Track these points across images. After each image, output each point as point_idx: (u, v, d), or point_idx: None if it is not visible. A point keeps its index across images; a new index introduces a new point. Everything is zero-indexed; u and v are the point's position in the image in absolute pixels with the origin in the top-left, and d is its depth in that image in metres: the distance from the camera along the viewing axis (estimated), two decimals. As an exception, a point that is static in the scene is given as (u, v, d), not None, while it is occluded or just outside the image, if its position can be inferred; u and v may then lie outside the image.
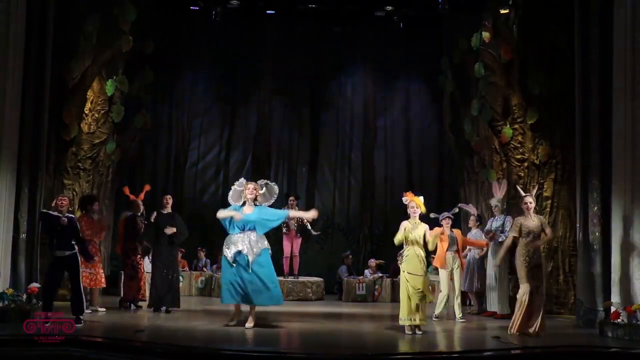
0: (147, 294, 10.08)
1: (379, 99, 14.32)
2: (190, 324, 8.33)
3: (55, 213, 8.12)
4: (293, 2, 13.06)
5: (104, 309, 9.37)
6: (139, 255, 10.01)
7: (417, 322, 7.72)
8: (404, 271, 7.81)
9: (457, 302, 9.36)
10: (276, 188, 8.35)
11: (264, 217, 8.04)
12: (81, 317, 7.90)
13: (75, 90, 10.30)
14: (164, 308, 9.35)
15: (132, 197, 10.11)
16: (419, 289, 7.71)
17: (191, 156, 14.04)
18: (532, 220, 7.82)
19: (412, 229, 7.79)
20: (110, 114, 10.97)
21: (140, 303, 9.90)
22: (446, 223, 9.45)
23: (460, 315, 9.22)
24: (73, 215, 8.47)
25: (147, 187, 10.49)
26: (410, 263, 7.76)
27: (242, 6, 12.86)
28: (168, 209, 9.59)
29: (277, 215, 8.25)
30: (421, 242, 7.81)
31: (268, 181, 8.41)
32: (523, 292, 7.74)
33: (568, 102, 9.56)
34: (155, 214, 9.59)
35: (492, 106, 10.73)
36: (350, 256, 12.87)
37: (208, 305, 10.32)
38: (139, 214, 9.97)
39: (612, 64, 8.32)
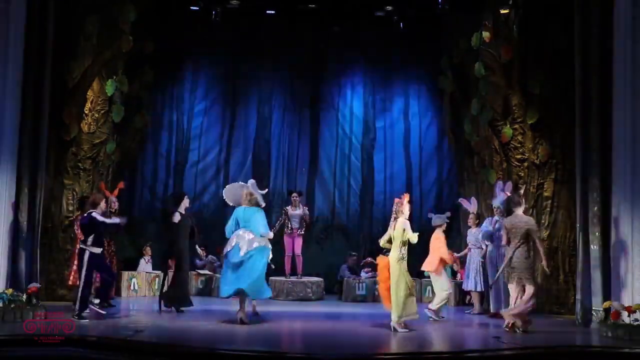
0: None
1: (378, 99, 14.32)
2: (190, 324, 8.32)
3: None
4: (293, 2, 13.06)
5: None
6: (112, 254, 9.99)
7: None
8: (406, 270, 7.90)
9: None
10: (261, 200, 8.52)
11: (253, 221, 8.26)
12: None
13: (75, 90, 10.30)
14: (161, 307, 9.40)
15: (107, 193, 10.10)
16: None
17: (191, 156, 14.02)
18: (517, 220, 8.05)
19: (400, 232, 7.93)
20: (110, 114, 10.96)
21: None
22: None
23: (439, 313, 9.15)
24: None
25: (121, 185, 10.57)
26: (405, 263, 7.93)
27: (242, 6, 12.85)
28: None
29: (259, 229, 8.27)
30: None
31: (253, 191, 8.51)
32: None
33: (568, 102, 9.55)
34: (177, 215, 9.43)
35: (492, 106, 10.72)
36: (355, 257, 12.79)
37: (208, 305, 10.31)
38: (113, 210, 9.87)
39: (612, 64, 8.33)
